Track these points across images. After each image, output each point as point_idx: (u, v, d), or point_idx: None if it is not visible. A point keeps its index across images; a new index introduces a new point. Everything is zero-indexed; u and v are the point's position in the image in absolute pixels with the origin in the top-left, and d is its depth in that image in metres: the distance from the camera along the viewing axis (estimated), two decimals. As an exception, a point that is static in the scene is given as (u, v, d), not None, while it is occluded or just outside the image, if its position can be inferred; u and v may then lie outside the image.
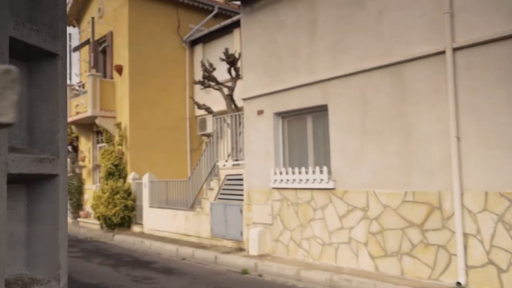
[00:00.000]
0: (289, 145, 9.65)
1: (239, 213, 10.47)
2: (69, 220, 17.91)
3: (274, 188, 9.51)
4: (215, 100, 14.86)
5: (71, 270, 9.22)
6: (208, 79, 12.80)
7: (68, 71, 18.19)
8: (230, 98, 12.57)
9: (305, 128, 9.31)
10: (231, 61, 12.38)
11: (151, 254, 11.21)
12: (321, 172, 8.51)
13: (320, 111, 8.90)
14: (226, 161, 11.49)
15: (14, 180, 1.47)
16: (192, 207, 12.30)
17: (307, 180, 8.76)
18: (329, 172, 8.44)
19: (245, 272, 8.64)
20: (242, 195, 10.52)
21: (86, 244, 13.09)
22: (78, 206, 17.63)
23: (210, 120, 14.94)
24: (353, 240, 7.97)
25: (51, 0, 1.59)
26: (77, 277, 8.66)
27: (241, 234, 10.37)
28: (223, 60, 12.48)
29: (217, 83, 12.84)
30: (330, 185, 8.32)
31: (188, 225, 12.12)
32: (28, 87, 1.62)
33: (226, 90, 12.76)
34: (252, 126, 10.17)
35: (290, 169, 9.14)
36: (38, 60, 1.59)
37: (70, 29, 18.71)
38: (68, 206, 17.86)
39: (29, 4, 1.55)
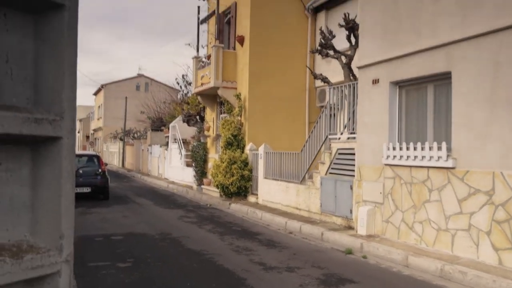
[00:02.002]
0: (406, 118, 8.68)
1: (349, 189, 9.85)
2: (194, 187, 18.98)
3: (386, 164, 8.70)
4: (336, 70, 14.13)
5: (181, 235, 9.66)
6: (325, 47, 12.14)
7: (196, 43, 19.00)
8: (348, 67, 11.79)
9: (424, 99, 8.26)
10: (351, 26, 11.53)
11: (260, 225, 11.23)
12: (439, 148, 7.47)
13: (443, 79, 7.78)
14: (342, 133, 10.86)
15: (14, 141, 1.34)
16: (303, 180, 11.98)
17: (423, 157, 7.79)
18: (449, 149, 7.37)
19: (348, 252, 8.09)
20: (353, 170, 9.86)
21: (203, 211, 13.68)
22: (202, 173, 18.54)
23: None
24: (473, 227, 6.89)
25: None
26: (184, 242, 9.00)
27: (351, 211, 9.77)
28: (341, 26, 11.69)
29: (335, 51, 12.12)
30: (449, 163, 7.27)
31: (299, 198, 11.85)
32: (34, 41, 1.45)
33: (344, 59, 12.00)
34: (366, 97, 9.38)
35: (404, 145, 8.23)
36: (45, 12, 1.40)
37: (199, 2, 19.39)
38: (193, 173, 18.93)
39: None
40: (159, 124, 33.73)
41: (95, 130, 67.27)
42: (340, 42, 13.16)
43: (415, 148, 7.99)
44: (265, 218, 11.85)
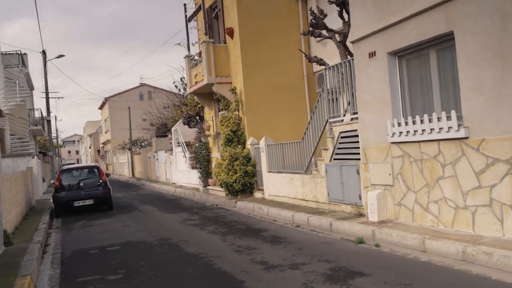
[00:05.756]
0: (409, 89, 7.94)
1: (355, 174, 9.14)
2: (200, 188, 18.37)
3: (393, 142, 7.97)
4: (332, 52, 13.40)
5: (181, 239, 9.05)
6: (317, 27, 11.42)
7: (186, 42, 18.34)
8: (343, 46, 11.06)
9: (427, 66, 7.51)
10: (341, 2, 10.80)
11: (266, 221, 10.56)
12: (449, 118, 6.73)
13: (445, 42, 7.03)
14: (344, 115, 10.11)
15: None
16: (307, 170, 11.28)
17: (432, 129, 7.05)
18: (459, 118, 6.62)
19: (359, 241, 7.39)
20: (358, 153, 9.14)
21: (208, 212, 13.05)
22: (207, 174, 17.92)
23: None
24: (495, 201, 6.14)
25: None
26: (183, 245, 8.38)
27: (360, 197, 9.06)
28: (331, 2, 10.97)
29: (328, 30, 11.39)
30: (461, 133, 6.52)
31: (305, 189, 11.15)
32: None
33: (338, 37, 11.27)
34: (363, 73, 8.65)
35: (410, 119, 7.49)
36: None
37: (186, 0, 18.76)
38: (199, 175, 18.32)
39: None
40: (164, 130, 33.25)
41: (104, 144, 67.19)
42: (334, 22, 12.44)
43: (422, 121, 7.25)
44: (271, 213, 11.19)
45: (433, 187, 7.19)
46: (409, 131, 7.51)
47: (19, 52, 28.77)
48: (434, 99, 7.41)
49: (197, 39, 18.55)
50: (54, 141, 68.56)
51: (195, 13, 17.30)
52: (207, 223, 10.94)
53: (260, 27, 14.86)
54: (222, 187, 14.62)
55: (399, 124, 7.74)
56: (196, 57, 16.77)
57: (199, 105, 19.07)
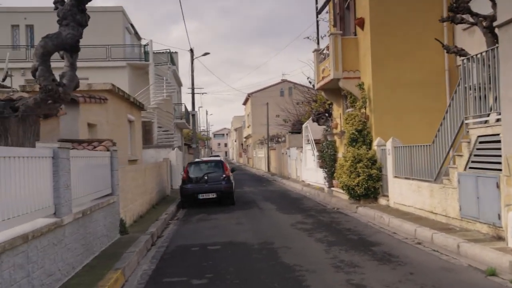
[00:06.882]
0: None
1: (495, 188, 7.44)
2: (325, 189, 17.50)
3: (546, 151, 6.22)
4: (481, 42, 11.42)
5: (283, 245, 8.43)
6: (458, 11, 9.70)
7: (316, 36, 17.55)
8: (490, 32, 9.21)
9: None
10: (490, -20, 8.98)
11: (384, 232, 9.33)
12: None
13: None
14: (488, 115, 8.36)
15: None
16: (437, 178, 9.69)
17: None
18: None
19: (490, 272, 5.88)
20: (500, 163, 7.43)
21: (325, 216, 12.17)
22: (332, 174, 16.95)
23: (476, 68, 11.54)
24: None
25: None
26: (281, 253, 7.72)
27: (499, 217, 7.35)
28: (477, -19, 9.20)
29: (472, 14, 9.61)
30: None
31: (434, 200, 9.60)
32: None
33: (485, 23, 9.42)
34: (511, 64, 6.95)
35: None
36: None
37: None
38: (324, 174, 17.48)
39: None
40: (299, 127, 33.01)
41: (246, 138, 69.97)
42: (483, 6, 10.50)
43: None
44: (392, 224, 9.89)
45: None
46: None
47: (168, 50, 31.07)
48: None
49: (327, 31, 17.66)
50: (205, 134, 73.49)
51: (325, 4, 16.44)
52: (318, 228, 10.11)
53: (394, 16, 13.40)
54: (343, 189, 13.60)
55: (555, 128, 5.99)
56: (324, 51, 15.92)
57: (328, 102, 18.19)
